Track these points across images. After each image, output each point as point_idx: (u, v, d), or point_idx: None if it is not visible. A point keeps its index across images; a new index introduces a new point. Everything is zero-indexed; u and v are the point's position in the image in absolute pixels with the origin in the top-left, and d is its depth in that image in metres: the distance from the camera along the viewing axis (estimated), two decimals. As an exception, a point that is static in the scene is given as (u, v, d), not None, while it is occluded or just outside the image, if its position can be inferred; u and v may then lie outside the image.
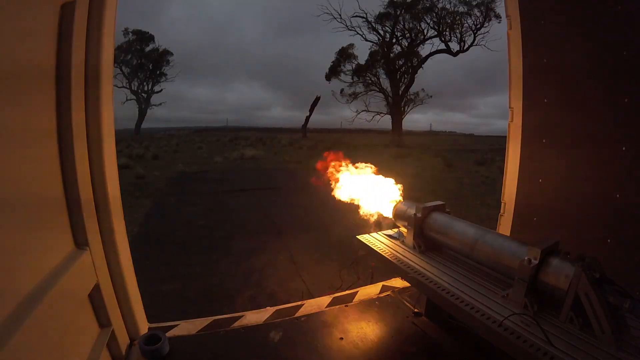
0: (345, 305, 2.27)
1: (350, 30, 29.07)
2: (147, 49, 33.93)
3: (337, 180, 2.35)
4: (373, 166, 2.38)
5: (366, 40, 29.39)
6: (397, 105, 29.68)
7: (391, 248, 1.97)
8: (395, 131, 30.02)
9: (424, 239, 1.91)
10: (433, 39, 28.32)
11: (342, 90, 30.48)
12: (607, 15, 1.83)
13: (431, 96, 30.35)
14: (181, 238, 5.16)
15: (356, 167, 2.37)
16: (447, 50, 28.43)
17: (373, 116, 30.77)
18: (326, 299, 2.35)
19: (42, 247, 1.14)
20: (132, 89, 34.53)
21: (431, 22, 27.55)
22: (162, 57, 34.44)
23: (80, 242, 1.38)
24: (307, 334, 1.96)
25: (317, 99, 32.95)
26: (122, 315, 1.70)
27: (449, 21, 27.05)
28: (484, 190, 9.33)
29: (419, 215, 1.89)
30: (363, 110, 30.64)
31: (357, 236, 2.20)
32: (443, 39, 27.91)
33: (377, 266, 2.25)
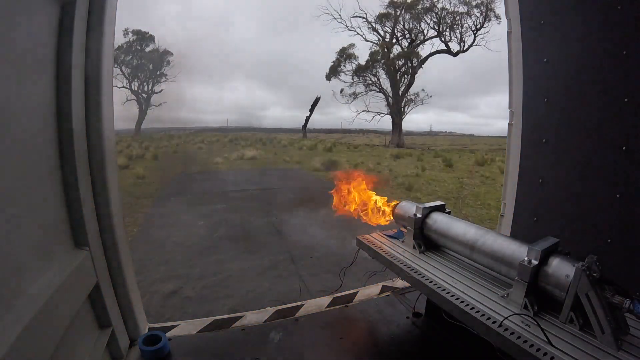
0: (345, 306, 2.27)
1: (351, 30, 29.17)
2: (148, 49, 33.96)
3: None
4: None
5: (366, 40, 29.47)
6: (397, 106, 29.70)
7: (391, 248, 1.97)
8: (395, 131, 30.04)
9: (424, 239, 1.91)
10: (433, 39, 28.38)
11: (342, 90, 30.54)
12: (607, 15, 1.83)
13: (431, 96, 30.38)
14: (181, 238, 5.16)
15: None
16: (447, 51, 28.46)
17: (373, 116, 30.83)
18: (326, 299, 2.35)
19: (42, 247, 1.14)
20: (132, 89, 34.57)
21: (431, 23, 27.60)
22: (162, 58, 34.46)
23: (80, 242, 1.38)
24: (307, 334, 1.96)
25: (317, 99, 33.01)
26: (122, 315, 1.70)
27: (449, 21, 27.08)
28: (483, 190, 9.33)
29: (419, 215, 1.89)
30: (363, 111, 30.71)
31: (357, 236, 2.20)
32: (443, 39, 27.96)
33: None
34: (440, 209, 1.96)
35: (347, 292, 2.44)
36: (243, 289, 3.58)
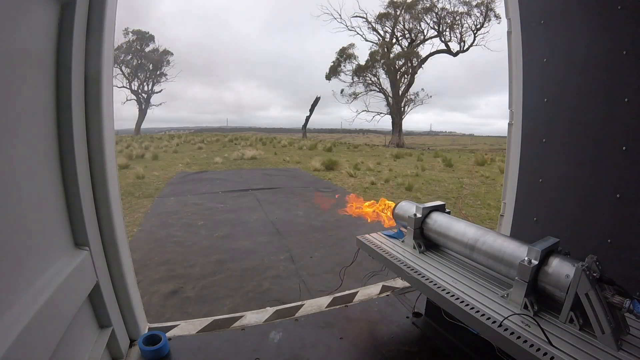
0: (345, 306, 2.27)
1: (351, 30, 29.24)
2: (147, 49, 34.00)
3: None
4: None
5: (366, 40, 29.54)
6: (397, 106, 29.73)
7: (391, 248, 1.97)
8: (395, 131, 30.07)
9: (424, 239, 1.91)
10: (433, 39, 28.43)
11: (342, 91, 30.61)
12: (607, 15, 1.83)
13: (431, 96, 30.45)
14: (181, 238, 5.16)
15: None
16: (447, 51, 28.50)
17: (373, 116, 30.92)
18: (326, 299, 2.35)
19: (42, 247, 1.14)
20: (132, 89, 34.61)
21: (431, 23, 27.64)
22: (162, 57, 34.51)
23: (80, 242, 1.38)
24: (307, 334, 1.96)
25: (317, 99, 33.09)
26: (122, 315, 1.70)
27: (449, 21, 27.11)
28: (483, 190, 9.33)
29: (418, 215, 1.89)
30: (363, 111, 30.81)
31: (357, 236, 2.20)
32: (443, 39, 28.00)
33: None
34: (440, 209, 1.96)
35: (347, 292, 2.45)
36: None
